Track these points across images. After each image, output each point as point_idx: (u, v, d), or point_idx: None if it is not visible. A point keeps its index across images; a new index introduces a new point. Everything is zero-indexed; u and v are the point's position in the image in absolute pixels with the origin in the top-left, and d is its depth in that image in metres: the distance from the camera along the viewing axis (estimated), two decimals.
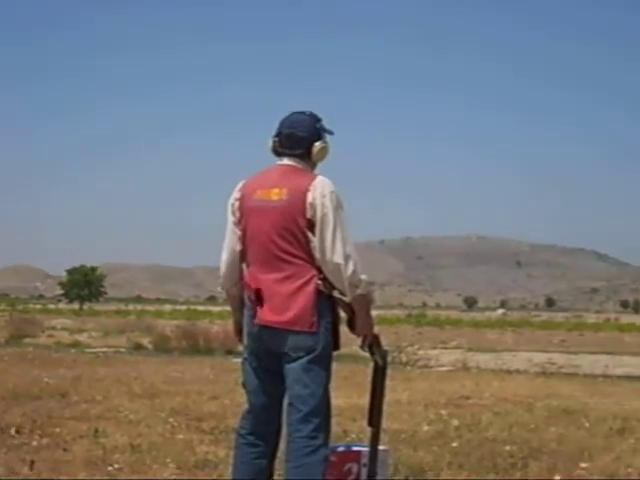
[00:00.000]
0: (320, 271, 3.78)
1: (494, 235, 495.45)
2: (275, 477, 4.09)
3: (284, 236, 3.80)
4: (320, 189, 3.79)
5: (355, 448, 4.20)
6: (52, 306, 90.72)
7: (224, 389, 9.52)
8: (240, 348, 4.18)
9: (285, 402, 3.89)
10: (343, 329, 3.89)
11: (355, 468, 4.09)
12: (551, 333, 39.86)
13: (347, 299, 3.79)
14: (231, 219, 3.99)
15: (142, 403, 8.36)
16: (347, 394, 8.54)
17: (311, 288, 3.76)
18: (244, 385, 4.03)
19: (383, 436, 4.47)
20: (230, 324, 4.45)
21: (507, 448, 6.18)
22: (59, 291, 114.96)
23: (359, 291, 3.77)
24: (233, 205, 3.99)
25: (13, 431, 6.48)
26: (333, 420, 3.96)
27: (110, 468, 5.33)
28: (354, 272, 3.74)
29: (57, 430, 6.64)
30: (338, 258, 3.73)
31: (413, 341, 21.94)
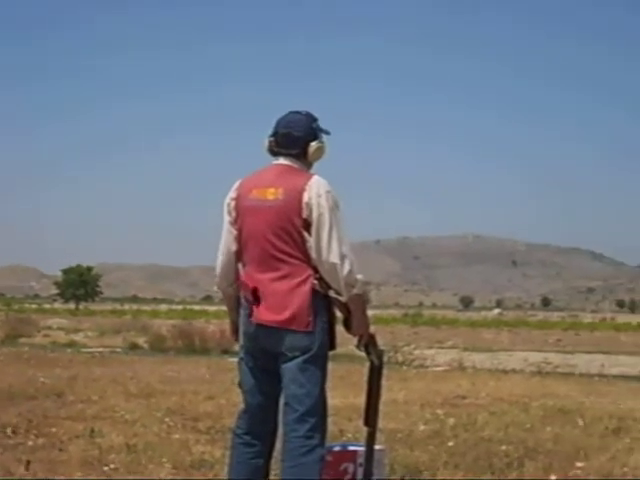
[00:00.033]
0: (316, 271, 3.78)
1: (490, 235, 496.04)
2: (271, 477, 4.09)
3: (280, 236, 3.80)
4: (316, 189, 3.79)
5: (351, 448, 4.20)
6: (48, 306, 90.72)
7: (220, 389, 9.52)
8: (236, 348, 4.18)
9: (281, 402, 3.89)
10: (339, 329, 3.89)
11: (351, 468, 4.10)
12: (547, 333, 39.95)
13: (343, 299, 3.79)
14: (227, 219, 3.99)
15: (138, 403, 8.36)
16: (343, 394, 8.54)
17: (307, 287, 3.76)
18: (240, 385, 4.03)
19: (379, 436, 4.47)
20: (226, 323, 4.45)
21: (503, 448, 6.18)
22: (55, 291, 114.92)
23: (355, 291, 3.77)
24: (229, 205, 3.99)
25: (9, 431, 6.47)
26: (329, 420, 3.96)
27: (106, 468, 5.32)
28: (350, 272, 3.74)
29: (53, 430, 6.63)
30: (334, 258, 3.73)
31: (409, 341, 21.95)
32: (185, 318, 40.58)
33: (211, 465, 5.44)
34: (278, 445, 3.97)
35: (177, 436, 6.48)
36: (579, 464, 5.69)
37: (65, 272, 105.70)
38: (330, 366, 3.92)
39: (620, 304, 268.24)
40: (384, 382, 4.10)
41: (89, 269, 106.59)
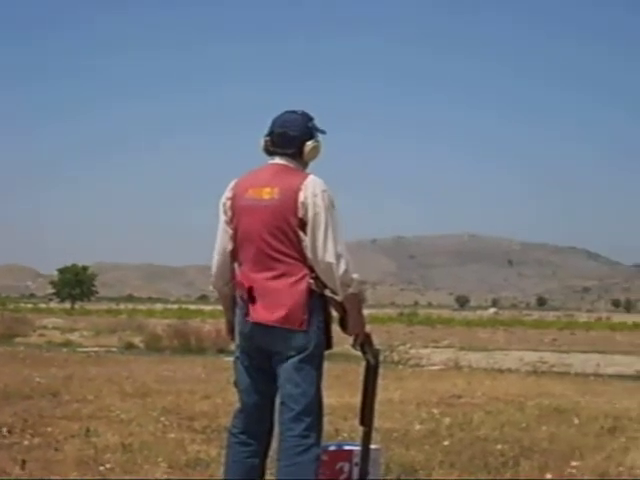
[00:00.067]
0: (312, 270, 3.78)
1: (486, 234, 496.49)
2: (267, 476, 4.09)
3: (276, 235, 3.80)
4: (312, 188, 3.79)
5: (347, 447, 4.20)
6: (43, 305, 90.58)
7: (216, 388, 9.52)
8: (232, 347, 4.18)
9: (277, 401, 3.89)
10: (335, 328, 3.89)
11: (347, 467, 4.10)
12: (542, 332, 39.96)
13: (339, 298, 3.79)
14: (223, 218, 3.99)
15: (134, 402, 8.35)
16: (339, 393, 8.54)
17: (303, 287, 3.76)
18: (236, 384, 4.03)
19: (375, 435, 4.47)
20: (222, 323, 4.45)
21: (498, 447, 6.19)
22: (50, 290, 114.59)
23: (351, 290, 3.77)
24: (225, 204, 3.99)
25: (4, 431, 6.46)
26: (325, 419, 3.96)
27: (102, 468, 5.31)
28: (346, 271, 3.74)
29: (48, 430, 6.62)
30: (330, 257, 3.73)
31: (405, 340, 21.97)
32: (181, 317, 40.59)
33: (207, 464, 5.43)
34: (274, 444, 3.97)
35: (173, 435, 6.48)
36: (574, 463, 5.70)
37: (61, 272, 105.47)
38: (326, 365, 3.92)
39: (616, 303, 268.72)
40: (380, 381, 4.11)
41: (85, 269, 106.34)
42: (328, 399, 4.35)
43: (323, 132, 4.03)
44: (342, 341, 4.60)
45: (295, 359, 3.78)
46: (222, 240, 4.00)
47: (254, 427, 3.95)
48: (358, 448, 4.10)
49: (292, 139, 3.92)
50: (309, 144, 3.94)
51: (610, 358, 19.88)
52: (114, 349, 19.16)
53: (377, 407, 4.10)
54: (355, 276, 3.78)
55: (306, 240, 3.77)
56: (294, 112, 4.00)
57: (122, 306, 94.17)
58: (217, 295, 4.13)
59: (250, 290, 3.81)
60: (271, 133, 3.97)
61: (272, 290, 3.79)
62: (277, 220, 3.80)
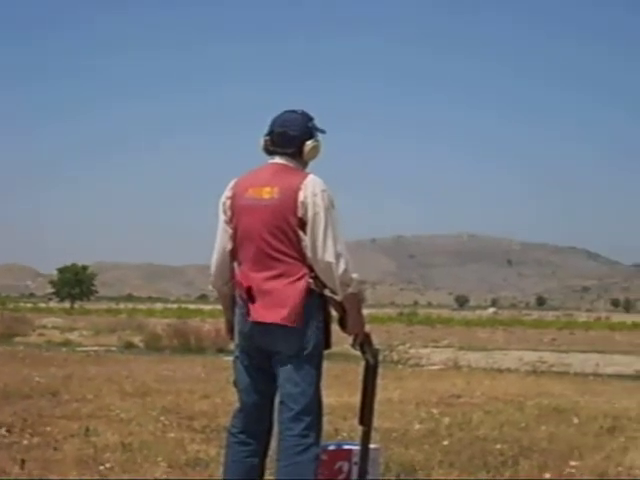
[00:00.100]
0: (311, 270, 3.78)
1: (485, 234, 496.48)
2: (266, 476, 4.09)
3: (275, 234, 3.80)
4: (311, 188, 3.79)
5: (346, 447, 4.20)
6: (43, 305, 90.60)
7: (215, 388, 9.52)
8: (231, 346, 4.18)
9: (276, 400, 3.89)
10: (334, 328, 3.89)
11: (346, 466, 4.10)
12: (542, 332, 39.96)
13: (338, 298, 3.79)
14: (222, 218, 3.99)
15: (133, 402, 8.35)
16: (338, 393, 8.55)
17: (301, 286, 3.76)
18: (235, 384, 4.03)
19: (374, 435, 4.47)
20: (221, 322, 4.45)
21: (498, 447, 6.19)
22: (50, 290, 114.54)
23: (350, 290, 3.77)
24: (224, 204, 3.99)
25: (4, 430, 6.46)
26: (324, 419, 3.96)
27: (101, 467, 5.31)
28: (345, 271, 3.75)
29: (48, 429, 6.62)
30: (329, 257, 3.73)
31: (404, 340, 21.97)
32: (180, 317, 40.58)
33: (206, 464, 5.44)
34: (273, 444, 3.97)
35: (172, 435, 6.48)
36: (574, 463, 5.70)
37: (60, 271, 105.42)
38: (325, 365, 3.92)
39: (615, 303, 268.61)
40: (379, 381, 4.11)
41: (84, 268, 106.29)
42: (327, 399, 4.35)
43: (323, 132, 4.03)
44: (341, 341, 4.61)
45: (294, 359, 3.78)
46: (222, 239, 4.00)
47: (253, 427, 3.96)
48: (357, 447, 4.10)
49: (292, 139, 3.92)
50: (309, 144, 3.94)
51: (609, 358, 19.87)
52: (114, 348, 19.16)
53: (376, 407, 4.10)
54: (355, 276, 3.78)
55: (306, 239, 3.78)
56: (294, 112, 4.00)
57: (122, 305, 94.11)
58: (217, 294, 4.13)
59: (249, 289, 3.82)
60: (271, 133, 3.98)
61: (271, 289, 3.79)
62: (277, 219, 3.80)
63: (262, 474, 4.01)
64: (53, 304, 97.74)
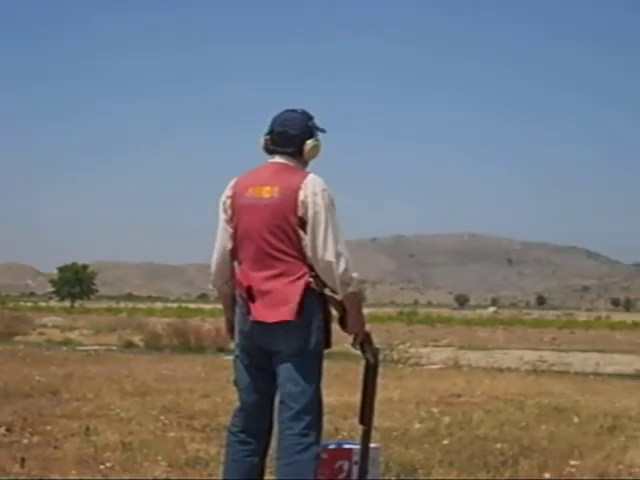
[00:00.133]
0: (312, 269, 3.78)
1: (486, 233, 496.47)
2: (266, 475, 4.09)
3: (276, 234, 3.80)
4: (312, 187, 3.79)
5: (346, 446, 4.20)
6: (43, 304, 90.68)
7: (215, 387, 9.52)
8: (232, 346, 4.18)
9: (277, 400, 3.89)
10: (334, 327, 3.89)
11: (346, 466, 4.10)
12: (542, 331, 39.97)
13: (338, 297, 3.79)
14: (222, 217, 3.99)
15: (133, 401, 8.35)
16: (338, 392, 8.54)
17: (302, 285, 3.76)
18: (236, 383, 4.03)
19: (374, 434, 4.48)
20: (221, 322, 4.45)
21: (498, 446, 6.19)
22: (50, 289, 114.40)
23: (350, 289, 3.77)
24: (225, 203, 3.99)
25: (4, 429, 6.46)
26: (325, 418, 3.96)
27: (101, 466, 5.31)
28: (345, 270, 3.74)
29: (48, 428, 6.62)
30: (330, 256, 3.73)
31: (404, 339, 21.94)
32: (180, 316, 40.57)
33: (206, 463, 5.44)
34: (273, 443, 3.97)
35: (172, 434, 6.48)
36: (574, 462, 5.70)
37: (61, 270, 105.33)
38: (325, 364, 3.92)
39: (615, 303, 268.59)
40: (379, 380, 4.11)
41: (85, 267, 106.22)
42: (328, 398, 4.35)
43: (323, 131, 4.03)
44: (342, 340, 4.61)
45: (295, 358, 3.78)
46: (222, 239, 4.00)
47: (254, 426, 3.95)
48: (358, 447, 4.10)
49: (292, 138, 3.92)
50: (309, 143, 3.94)
51: (609, 357, 19.89)
52: (114, 348, 19.16)
53: (377, 406, 4.10)
54: (355, 275, 3.78)
55: (306, 239, 3.78)
56: (294, 111, 4.00)
57: (122, 305, 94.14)
58: (217, 294, 4.13)
59: (249, 289, 3.82)
60: (271, 132, 3.98)
61: (272, 289, 3.79)
62: (277, 219, 3.80)
63: (262, 473, 4.01)
64: (53, 303, 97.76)
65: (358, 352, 4.02)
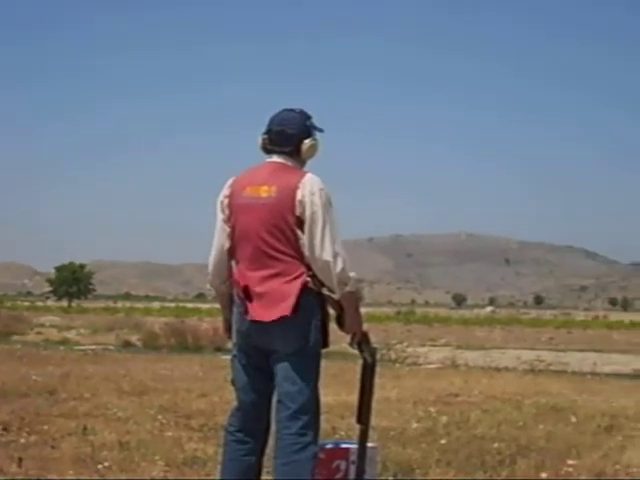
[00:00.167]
0: (309, 268, 3.78)
1: (483, 233, 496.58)
2: (264, 474, 4.09)
3: (273, 233, 3.80)
4: (309, 187, 3.79)
5: (344, 445, 4.21)
6: (40, 303, 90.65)
7: (213, 386, 9.52)
8: (229, 345, 4.18)
9: (274, 399, 3.89)
10: (332, 326, 3.89)
11: (344, 465, 4.10)
12: (539, 331, 40.00)
13: (336, 296, 3.79)
14: (220, 216, 3.99)
15: (131, 400, 8.35)
16: (336, 391, 8.55)
17: (299, 284, 3.76)
18: (233, 382, 4.03)
19: (372, 433, 4.48)
20: (219, 321, 4.45)
21: (495, 445, 6.19)
22: (47, 288, 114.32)
23: (348, 288, 3.77)
24: (222, 202, 3.98)
25: (1, 429, 6.45)
26: (322, 417, 3.96)
27: (99, 466, 5.31)
28: (343, 269, 3.75)
29: (45, 428, 6.62)
30: (327, 256, 3.73)
31: (402, 338, 21.94)
32: (178, 316, 40.59)
33: (204, 462, 5.44)
34: (271, 442, 3.97)
35: (170, 434, 6.48)
36: (571, 462, 5.70)
37: (58, 270, 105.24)
38: (323, 364, 3.92)
39: (613, 302, 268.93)
40: (377, 380, 4.11)
41: (82, 267, 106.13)
42: (325, 397, 4.35)
43: (321, 130, 4.03)
44: (339, 339, 4.61)
45: (292, 357, 3.78)
46: (219, 238, 4.00)
47: (251, 425, 3.95)
48: (355, 446, 4.10)
49: (290, 137, 3.92)
50: (307, 142, 3.94)
51: (607, 357, 19.90)
52: (111, 347, 19.15)
53: (374, 405, 4.10)
54: (352, 274, 3.78)
55: (303, 238, 3.78)
56: (292, 110, 4.00)
57: (119, 304, 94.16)
58: (214, 293, 4.13)
59: (246, 288, 3.82)
60: (269, 131, 3.98)
61: (269, 288, 3.79)
62: (275, 218, 3.80)
63: (259, 473, 4.01)
64: (50, 303, 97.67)
65: (356, 351, 4.02)
